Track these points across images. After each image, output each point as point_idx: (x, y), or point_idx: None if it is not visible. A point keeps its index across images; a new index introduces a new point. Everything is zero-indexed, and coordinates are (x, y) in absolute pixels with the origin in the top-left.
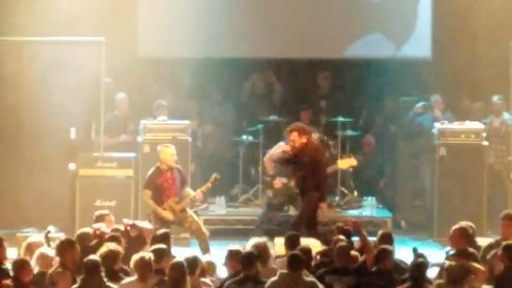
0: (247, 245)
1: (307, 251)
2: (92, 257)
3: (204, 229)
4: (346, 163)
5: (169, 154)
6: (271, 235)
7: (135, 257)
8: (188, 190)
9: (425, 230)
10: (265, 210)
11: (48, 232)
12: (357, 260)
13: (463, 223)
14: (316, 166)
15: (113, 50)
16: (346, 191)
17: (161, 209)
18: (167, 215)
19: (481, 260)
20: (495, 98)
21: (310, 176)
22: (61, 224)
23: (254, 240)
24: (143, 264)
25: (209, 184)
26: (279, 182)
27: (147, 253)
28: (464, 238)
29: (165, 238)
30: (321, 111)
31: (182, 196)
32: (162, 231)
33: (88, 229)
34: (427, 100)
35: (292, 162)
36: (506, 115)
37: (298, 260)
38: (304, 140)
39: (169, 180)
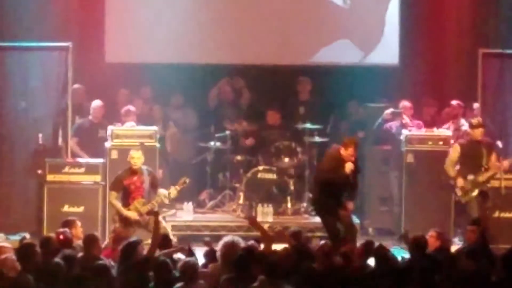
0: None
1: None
2: None
3: (171, 235)
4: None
5: (135, 156)
6: None
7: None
8: (161, 191)
9: (393, 236)
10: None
11: (24, 238)
12: None
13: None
14: None
15: (80, 55)
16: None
17: (124, 209)
18: (131, 214)
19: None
20: (454, 102)
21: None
22: (29, 230)
23: (225, 239)
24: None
25: (177, 187)
26: (461, 182)
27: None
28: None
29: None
30: (297, 117)
31: (154, 197)
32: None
33: (51, 234)
34: (395, 107)
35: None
36: (462, 121)
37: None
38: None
39: (137, 182)
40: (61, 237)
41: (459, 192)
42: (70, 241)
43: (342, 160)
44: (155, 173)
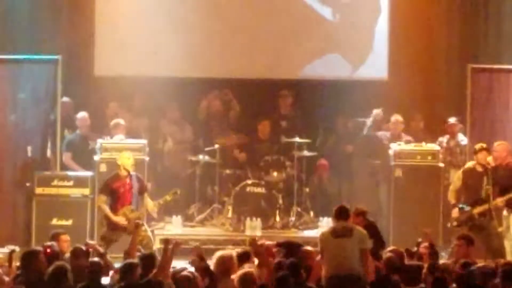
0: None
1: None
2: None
3: (154, 246)
4: None
5: (125, 157)
6: None
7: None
8: (147, 199)
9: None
10: None
11: (13, 251)
12: None
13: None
14: None
15: (70, 68)
16: (302, 212)
17: (112, 215)
18: (120, 220)
19: None
20: (451, 119)
21: None
22: (17, 243)
23: (220, 252)
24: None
25: (167, 197)
26: (455, 213)
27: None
28: None
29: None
30: (279, 131)
31: (141, 204)
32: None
33: (39, 248)
34: (384, 121)
35: None
36: (460, 136)
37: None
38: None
39: (126, 185)
40: (48, 250)
41: (454, 223)
42: (57, 255)
43: None
44: (144, 180)
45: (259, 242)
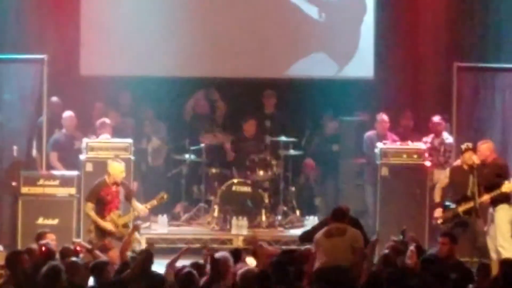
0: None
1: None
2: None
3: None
4: (510, 187)
5: (118, 170)
6: None
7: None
8: (136, 203)
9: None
10: None
11: None
12: None
13: None
14: None
15: (56, 68)
16: (288, 211)
17: (101, 221)
18: (108, 226)
19: None
20: (436, 118)
21: None
22: (2, 242)
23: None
24: None
25: (154, 202)
26: (438, 212)
27: None
28: None
29: None
30: (265, 130)
31: (132, 208)
32: None
33: (34, 246)
34: (369, 120)
35: None
36: (445, 135)
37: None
38: None
39: (113, 193)
40: (44, 249)
41: (439, 220)
42: (52, 253)
43: None
44: (130, 185)
45: (258, 242)
